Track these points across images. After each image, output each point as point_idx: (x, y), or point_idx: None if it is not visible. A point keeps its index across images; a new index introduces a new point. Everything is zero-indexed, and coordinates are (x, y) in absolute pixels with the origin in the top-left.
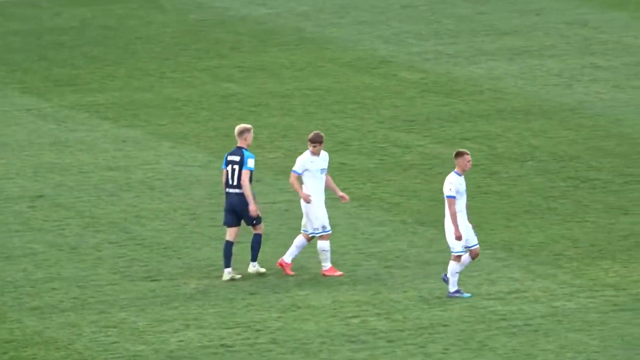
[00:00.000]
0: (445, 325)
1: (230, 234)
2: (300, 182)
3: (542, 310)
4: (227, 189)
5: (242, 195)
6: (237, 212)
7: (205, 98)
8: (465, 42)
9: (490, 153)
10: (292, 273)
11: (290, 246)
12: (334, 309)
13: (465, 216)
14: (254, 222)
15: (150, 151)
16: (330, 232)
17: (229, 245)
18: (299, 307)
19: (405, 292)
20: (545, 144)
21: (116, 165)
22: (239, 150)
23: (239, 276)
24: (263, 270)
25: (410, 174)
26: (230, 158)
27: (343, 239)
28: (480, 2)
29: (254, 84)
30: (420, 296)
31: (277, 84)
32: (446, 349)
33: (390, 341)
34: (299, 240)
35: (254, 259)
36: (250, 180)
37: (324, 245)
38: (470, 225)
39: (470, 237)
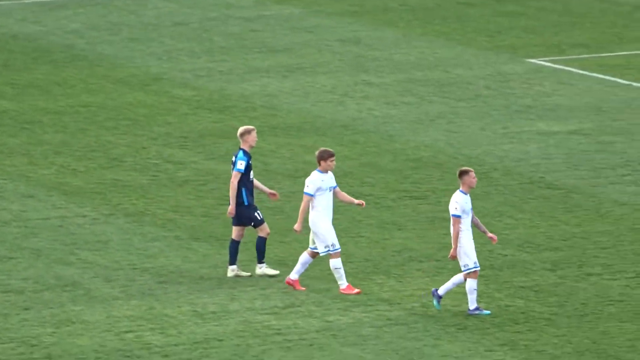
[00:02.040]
0: (220, 340)
1: (234, 232)
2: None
3: (317, 324)
4: None
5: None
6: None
7: None
8: (238, 59)
9: (263, 169)
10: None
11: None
12: (109, 324)
13: (471, 235)
14: (252, 224)
15: None
16: (339, 250)
17: (233, 243)
18: (73, 322)
19: (180, 307)
20: None
21: None
22: (237, 152)
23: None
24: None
25: (184, 190)
26: (233, 159)
27: (117, 254)
28: (251, 20)
29: (26, 101)
30: (195, 311)
31: (49, 101)
32: None
33: (165, 356)
34: (304, 257)
35: (259, 261)
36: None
37: (335, 263)
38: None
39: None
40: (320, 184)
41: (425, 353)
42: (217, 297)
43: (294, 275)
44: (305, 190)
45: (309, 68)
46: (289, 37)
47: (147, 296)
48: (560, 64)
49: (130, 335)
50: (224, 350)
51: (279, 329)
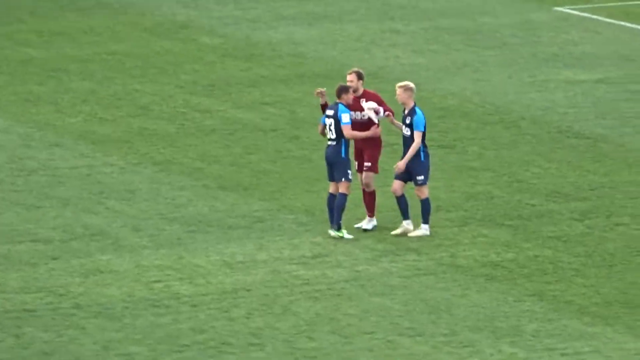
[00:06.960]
0: (248, 290)
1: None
2: None
3: (345, 274)
4: None
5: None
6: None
7: (5, 63)
8: (265, 6)
9: (290, 118)
10: None
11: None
12: (137, 274)
13: None
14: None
15: None
16: None
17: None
18: (102, 272)
19: (208, 256)
20: None
21: None
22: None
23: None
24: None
25: (211, 139)
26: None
27: (145, 203)
28: None
29: (53, 48)
30: (223, 260)
31: (76, 48)
32: (250, 314)
33: (193, 305)
34: None
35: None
36: None
37: None
38: None
39: None
40: None
41: (453, 303)
42: (245, 247)
43: None
44: None
45: (336, 16)
46: None
47: (176, 246)
48: (587, 12)
49: (158, 285)
50: (252, 300)
51: (307, 279)
